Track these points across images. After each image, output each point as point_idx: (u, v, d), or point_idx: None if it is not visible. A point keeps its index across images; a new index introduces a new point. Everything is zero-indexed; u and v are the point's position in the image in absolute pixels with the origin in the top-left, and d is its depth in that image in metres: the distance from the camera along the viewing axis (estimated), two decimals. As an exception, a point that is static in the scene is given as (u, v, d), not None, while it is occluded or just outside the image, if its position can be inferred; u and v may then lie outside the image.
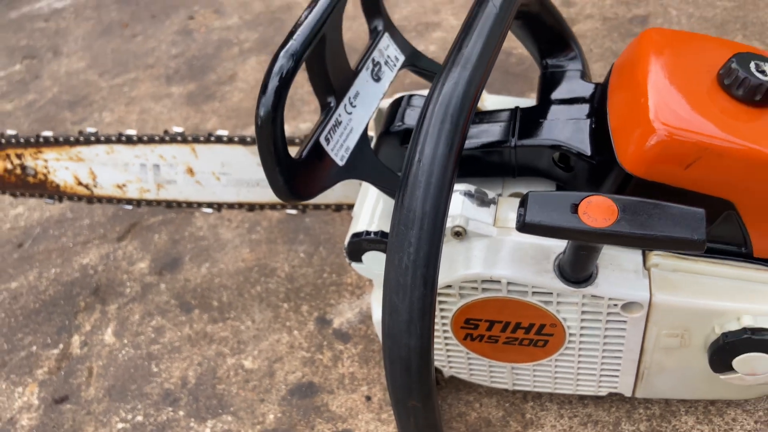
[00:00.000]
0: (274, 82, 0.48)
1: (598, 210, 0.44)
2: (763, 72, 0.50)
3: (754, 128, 0.49)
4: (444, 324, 0.61)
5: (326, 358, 0.82)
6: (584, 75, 0.64)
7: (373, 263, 0.62)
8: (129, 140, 0.84)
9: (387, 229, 0.59)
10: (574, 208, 0.45)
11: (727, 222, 0.53)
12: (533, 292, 0.56)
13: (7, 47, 1.79)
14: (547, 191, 0.49)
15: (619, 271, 0.55)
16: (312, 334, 0.85)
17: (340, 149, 0.56)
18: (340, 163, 0.56)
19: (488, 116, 0.63)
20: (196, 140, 0.82)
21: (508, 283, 0.55)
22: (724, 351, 0.54)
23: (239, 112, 1.31)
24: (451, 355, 0.65)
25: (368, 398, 0.77)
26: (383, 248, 0.60)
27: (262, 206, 0.86)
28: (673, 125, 0.49)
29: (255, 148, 0.81)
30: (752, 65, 0.50)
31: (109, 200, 0.91)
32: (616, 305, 0.55)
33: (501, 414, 0.72)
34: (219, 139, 0.81)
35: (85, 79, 1.55)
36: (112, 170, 0.87)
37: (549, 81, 0.64)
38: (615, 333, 0.58)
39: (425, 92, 0.64)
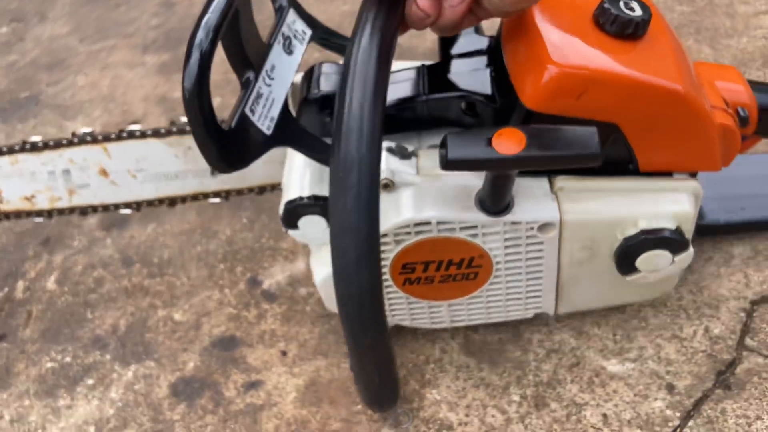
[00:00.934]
0: (195, 55, 0.51)
1: (509, 140, 0.51)
2: (631, 9, 0.57)
3: (630, 59, 0.57)
4: (383, 274, 0.65)
5: (251, 316, 0.86)
6: (477, 30, 0.68)
7: (309, 227, 0.66)
8: (34, 147, 0.82)
9: (318, 193, 0.64)
10: (488, 142, 0.51)
11: (615, 144, 0.60)
12: (460, 228, 0.62)
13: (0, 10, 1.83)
14: (462, 131, 0.56)
15: (532, 198, 0.62)
16: (241, 293, 0.89)
17: (265, 120, 0.59)
18: (267, 132, 0.59)
19: (396, 75, 0.67)
20: (107, 139, 0.82)
21: (438, 223, 0.61)
22: (627, 254, 0.64)
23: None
24: (392, 304, 0.71)
25: (284, 353, 0.81)
26: (317, 211, 0.64)
27: (183, 199, 0.87)
28: (563, 62, 0.55)
29: (171, 140, 0.83)
30: (621, 4, 0.57)
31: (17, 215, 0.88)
32: (532, 228, 0.62)
33: (403, 373, 0.76)
34: (131, 135, 0.82)
35: (66, 43, 1.59)
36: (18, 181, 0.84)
37: (447, 39, 0.69)
38: (534, 255, 0.65)
39: (336, 61, 0.69)
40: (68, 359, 0.84)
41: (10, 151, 0.83)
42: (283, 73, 0.63)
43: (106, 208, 0.88)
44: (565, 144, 0.51)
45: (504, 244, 0.63)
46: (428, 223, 0.61)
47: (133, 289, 0.92)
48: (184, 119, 0.84)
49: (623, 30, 0.57)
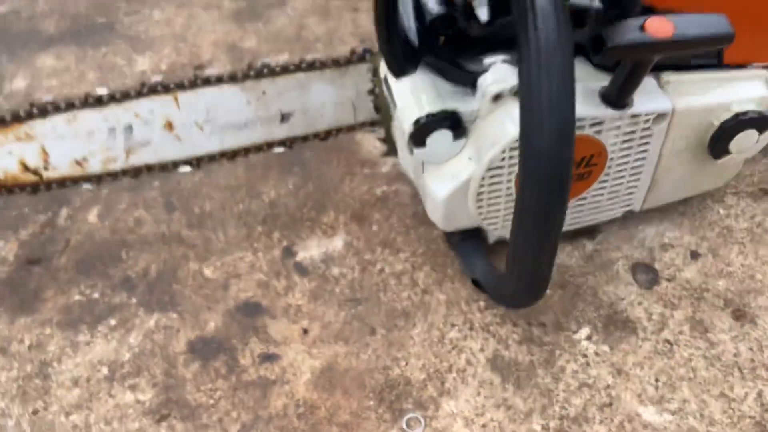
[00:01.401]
0: None
1: (660, 26, 0.56)
2: None
3: None
4: (509, 181, 0.70)
5: (280, 286, 0.84)
6: None
7: (437, 144, 0.69)
8: (99, 102, 0.78)
9: (447, 108, 0.68)
10: (642, 29, 0.56)
11: None
12: (590, 124, 0.67)
13: (89, -69, 1.84)
14: (612, 24, 0.58)
15: (645, 93, 0.68)
16: (274, 261, 0.87)
17: (411, 32, 0.66)
18: (416, 44, 0.66)
19: None
20: (180, 87, 0.79)
21: None
22: (723, 137, 0.72)
23: (278, 37, 1.32)
24: (508, 214, 0.74)
25: (305, 331, 0.78)
26: (447, 125, 0.68)
27: (247, 150, 0.85)
28: None
29: (247, 85, 0.80)
30: None
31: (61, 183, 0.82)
32: (648, 120, 0.69)
33: (423, 377, 0.72)
34: (206, 81, 0.79)
35: (149, -25, 1.58)
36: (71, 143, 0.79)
37: None
38: (644, 147, 0.72)
39: None
40: (96, 295, 0.84)
41: (69, 106, 0.78)
42: None
43: (164, 167, 0.84)
44: (708, 27, 0.57)
45: (622, 138, 0.69)
46: None
47: (170, 237, 0.91)
48: (259, 63, 0.81)
49: None
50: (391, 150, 0.87)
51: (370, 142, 1.03)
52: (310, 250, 0.88)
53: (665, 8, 0.65)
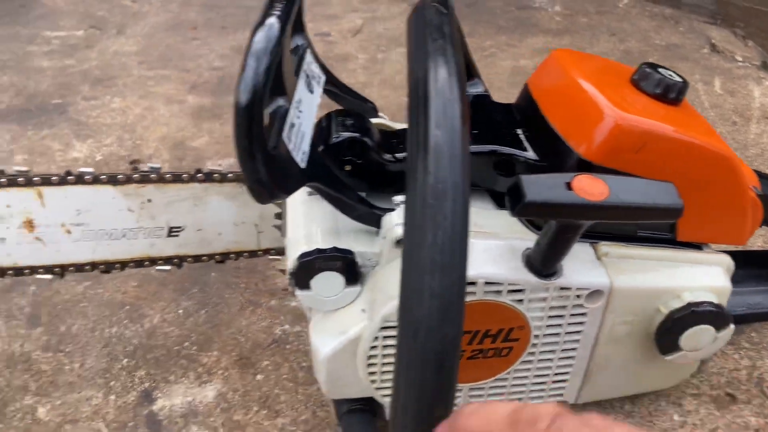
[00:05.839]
0: (263, 60, 0.44)
1: (590, 186, 0.46)
2: (671, 76, 0.59)
3: (678, 120, 0.57)
4: None
5: (120, 443, 0.67)
6: (489, 97, 0.67)
7: (323, 287, 0.57)
8: None
9: (340, 245, 0.57)
10: (568, 186, 0.46)
11: None
12: (508, 290, 0.55)
13: (84, 13, 1.85)
14: (536, 175, 0.49)
15: (580, 262, 0.58)
16: (125, 407, 0.71)
17: (299, 152, 0.53)
18: (302, 165, 0.53)
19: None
20: (46, 182, 0.66)
21: (486, 283, 0.54)
22: (672, 329, 0.59)
23: (228, 141, 1.23)
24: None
25: None
26: (337, 267, 0.57)
27: (124, 264, 0.72)
28: (624, 116, 0.55)
29: (129, 189, 0.69)
30: (660, 70, 0.60)
31: None
32: (580, 296, 0.57)
33: None
34: (80, 179, 0.67)
35: (125, 62, 1.55)
36: None
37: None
38: (575, 328, 0.59)
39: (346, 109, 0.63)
40: None
41: None
42: (308, 110, 0.58)
43: (19, 272, 0.70)
44: (648, 195, 0.48)
45: (548, 313, 0.57)
46: (475, 283, 0.54)
47: (19, 358, 0.77)
48: (152, 165, 0.70)
49: (667, 93, 0.58)
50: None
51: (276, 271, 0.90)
52: (174, 398, 0.72)
53: (609, 168, 0.55)
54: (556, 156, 0.59)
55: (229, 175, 0.72)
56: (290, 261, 0.57)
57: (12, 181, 0.67)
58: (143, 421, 0.70)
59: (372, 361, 0.57)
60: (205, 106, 1.35)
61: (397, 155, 0.62)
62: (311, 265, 0.56)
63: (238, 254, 0.77)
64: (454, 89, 0.38)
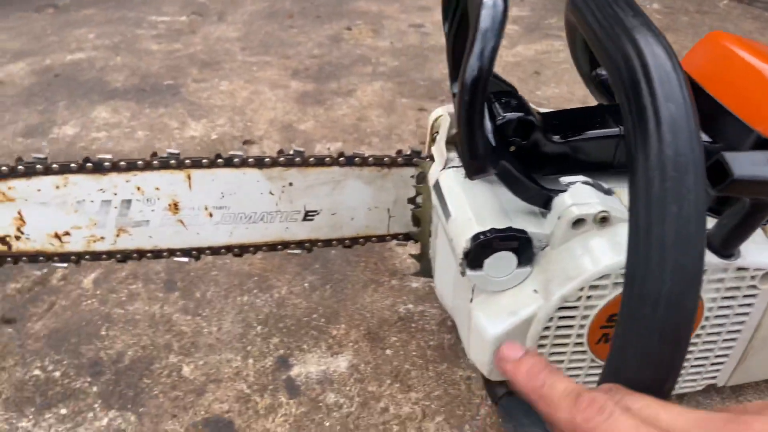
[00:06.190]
0: (491, 40, 0.47)
1: None
2: None
3: None
4: (581, 326, 0.57)
5: (262, 405, 0.70)
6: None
7: (495, 267, 0.57)
8: (97, 168, 0.65)
9: (514, 226, 0.57)
10: None
11: None
12: None
13: (188, 0, 1.91)
14: (735, 152, 0.48)
15: (753, 243, 0.57)
16: (264, 371, 0.74)
17: (488, 131, 0.57)
18: (493, 144, 0.57)
19: (576, 112, 0.64)
20: (196, 165, 0.67)
21: None
22: None
23: (334, 126, 1.26)
24: (574, 367, 0.61)
25: (275, 471, 0.64)
26: (513, 247, 0.57)
27: (257, 248, 0.73)
28: None
29: (273, 172, 0.70)
30: None
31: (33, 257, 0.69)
32: (754, 277, 0.57)
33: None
34: (229, 162, 0.67)
35: (227, 48, 1.60)
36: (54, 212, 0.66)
37: (607, 86, 0.69)
38: (744, 310, 0.59)
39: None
40: (57, 374, 0.73)
41: (62, 169, 0.65)
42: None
43: (158, 254, 0.71)
44: None
45: (723, 294, 0.58)
46: None
47: (160, 319, 0.81)
48: (296, 149, 0.71)
49: None
50: (425, 270, 0.75)
51: (403, 254, 0.91)
52: (309, 366, 0.75)
53: None
54: (731, 135, 0.59)
55: (370, 159, 0.73)
56: (462, 240, 0.57)
57: (164, 164, 0.67)
58: (282, 385, 0.72)
59: (543, 342, 0.57)
60: (309, 92, 1.39)
61: (562, 138, 0.62)
62: (486, 244, 0.56)
63: (367, 239, 0.77)
64: (674, 62, 0.39)
